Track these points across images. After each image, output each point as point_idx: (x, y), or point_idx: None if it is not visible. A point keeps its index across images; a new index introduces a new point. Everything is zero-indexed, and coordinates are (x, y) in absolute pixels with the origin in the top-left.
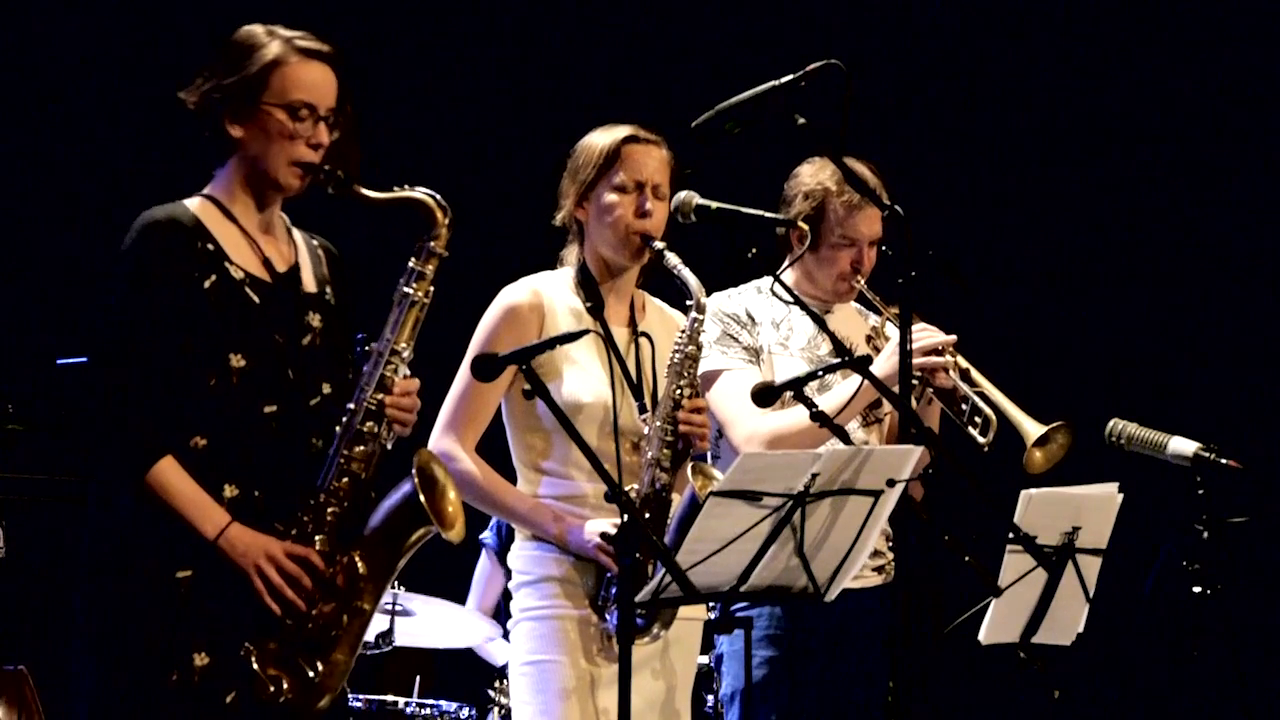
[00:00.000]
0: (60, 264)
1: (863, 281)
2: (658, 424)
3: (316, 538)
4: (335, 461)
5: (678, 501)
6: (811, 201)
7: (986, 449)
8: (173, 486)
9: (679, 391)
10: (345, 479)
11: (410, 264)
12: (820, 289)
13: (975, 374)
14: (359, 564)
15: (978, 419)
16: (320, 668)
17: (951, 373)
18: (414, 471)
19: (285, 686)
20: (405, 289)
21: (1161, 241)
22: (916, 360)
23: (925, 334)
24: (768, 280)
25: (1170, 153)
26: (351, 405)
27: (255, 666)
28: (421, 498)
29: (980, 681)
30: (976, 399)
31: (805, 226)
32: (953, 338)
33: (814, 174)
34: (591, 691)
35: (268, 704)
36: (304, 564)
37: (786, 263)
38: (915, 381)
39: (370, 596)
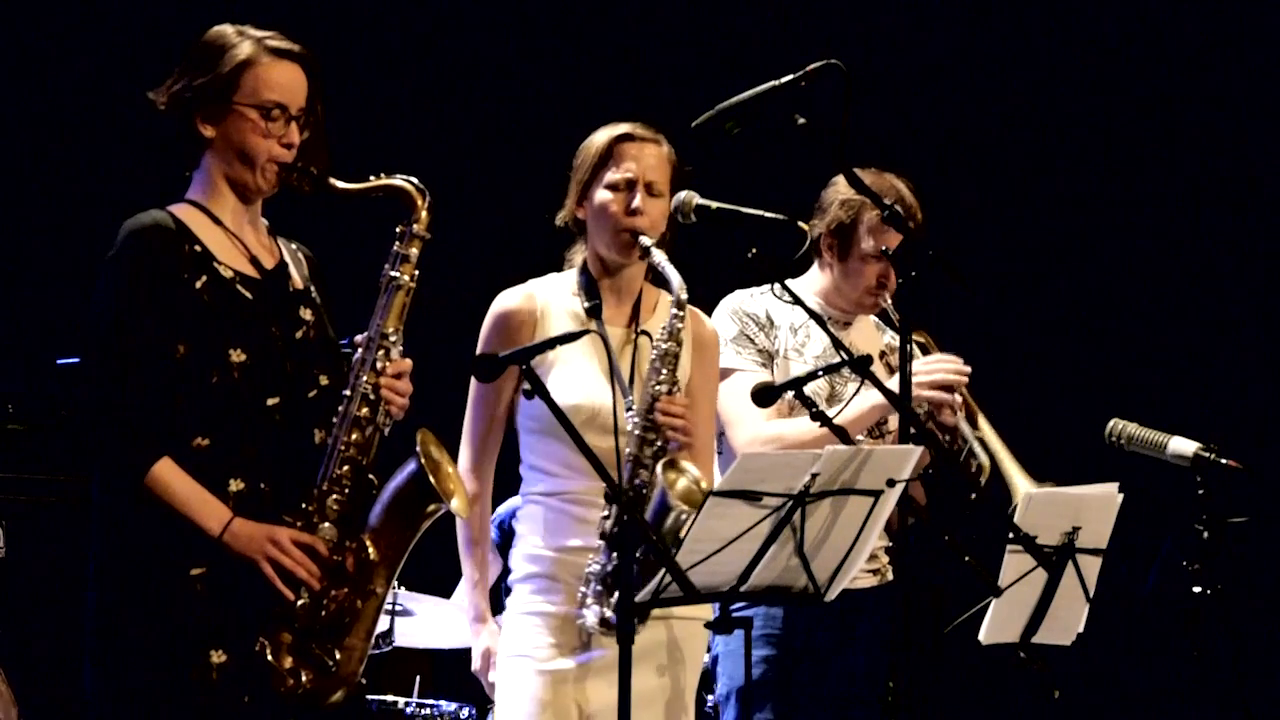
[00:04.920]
0: (60, 264)
1: (889, 299)
2: (636, 421)
3: (322, 526)
4: (335, 449)
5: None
6: (847, 211)
7: (973, 496)
8: (172, 487)
9: (656, 388)
10: (346, 466)
11: (394, 248)
12: (845, 300)
13: (981, 419)
14: (369, 547)
15: (973, 462)
16: (337, 655)
17: (958, 412)
18: (417, 450)
19: (304, 678)
20: (391, 273)
21: (1162, 241)
22: (926, 393)
23: (940, 367)
24: (791, 282)
25: (1170, 152)
26: (347, 392)
27: (271, 659)
28: (430, 476)
29: (980, 681)
30: (975, 443)
31: (806, 226)
32: (966, 374)
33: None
34: (569, 688)
35: (286, 696)
36: (310, 552)
37: (813, 271)
38: (920, 411)
39: (382, 579)
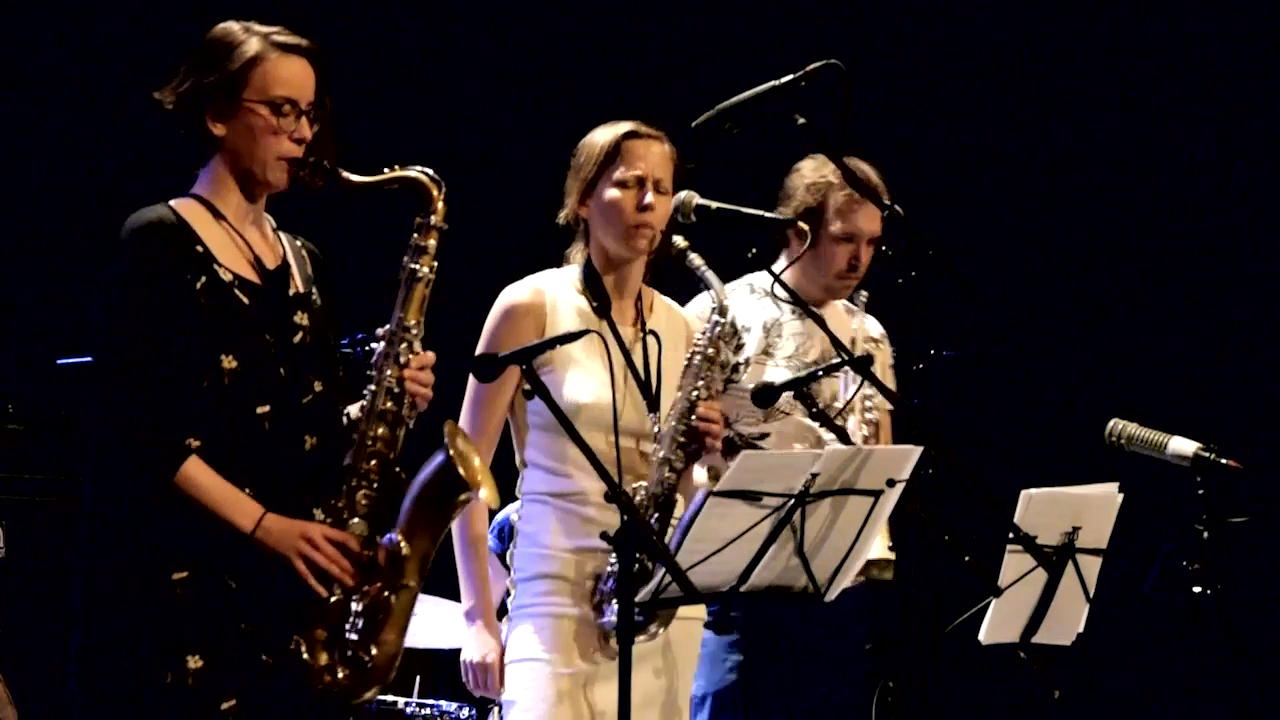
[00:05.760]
0: (60, 264)
1: (863, 297)
2: (673, 424)
3: (352, 521)
4: (362, 444)
5: (682, 502)
6: (814, 194)
7: None
8: (203, 484)
9: (696, 393)
10: (374, 460)
11: (412, 241)
12: (815, 287)
13: None
14: (400, 541)
15: None
16: (373, 650)
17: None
18: (445, 441)
19: (340, 675)
20: (410, 265)
21: (1162, 241)
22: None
23: None
24: (761, 277)
25: (1170, 152)
26: (371, 387)
27: (307, 657)
28: (458, 466)
29: (980, 681)
30: None
31: (806, 226)
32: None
33: (817, 168)
34: (584, 690)
35: (323, 693)
36: (343, 549)
37: (786, 262)
38: None
39: (414, 573)
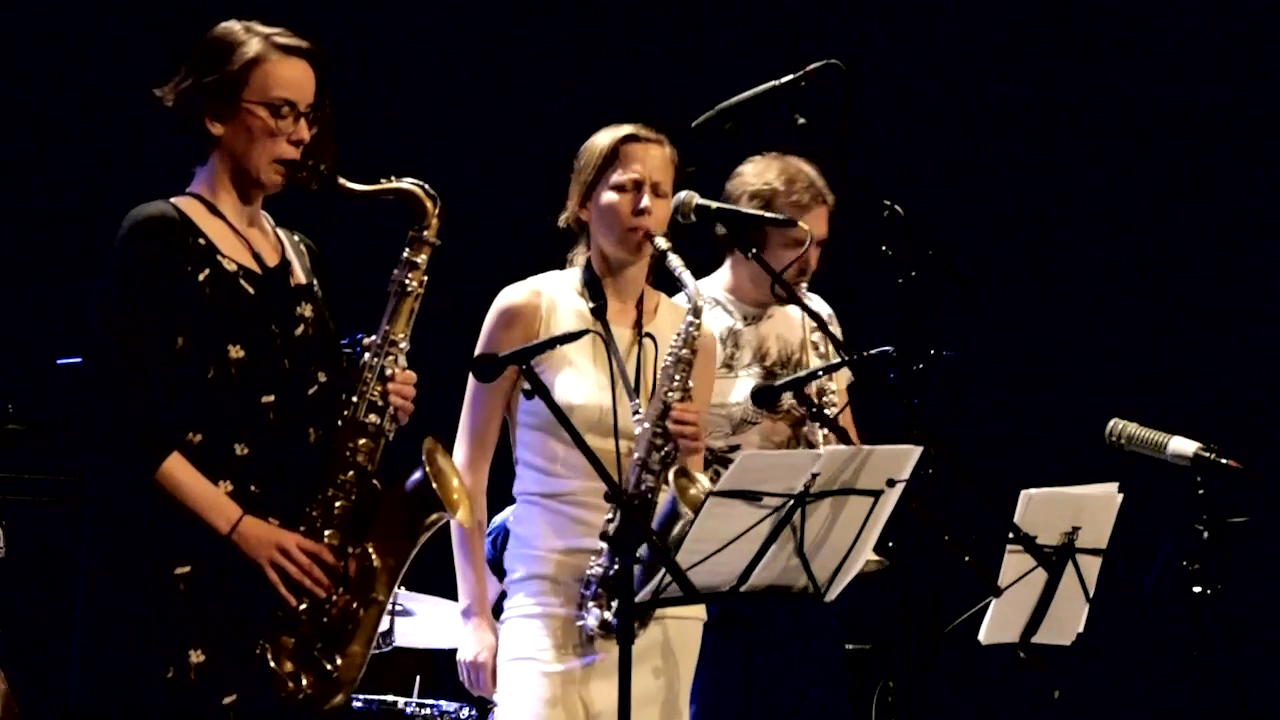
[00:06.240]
0: (60, 264)
1: (804, 286)
2: (647, 426)
3: (326, 532)
4: (341, 455)
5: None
6: (758, 201)
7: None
8: (183, 483)
9: (670, 395)
10: (351, 471)
11: (404, 254)
12: (761, 291)
13: None
14: (372, 555)
15: None
16: (339, 661)
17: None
18: (423, 459)
19: (305, 683)
20: (400, 279)
21: (1162, 241)
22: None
23: None
24: (708, 285)
25: (1170, 152)
26: (354, 399)
27: (272, 663)
28: (434, 485)
29: (980, 681)
30: None
31: (806, 227)
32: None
33: (759, 173)
34: (579, 689)
35: (287, 700)
36: (316, 560)
37: (728, 269)
38: None
39: (384, 586)
